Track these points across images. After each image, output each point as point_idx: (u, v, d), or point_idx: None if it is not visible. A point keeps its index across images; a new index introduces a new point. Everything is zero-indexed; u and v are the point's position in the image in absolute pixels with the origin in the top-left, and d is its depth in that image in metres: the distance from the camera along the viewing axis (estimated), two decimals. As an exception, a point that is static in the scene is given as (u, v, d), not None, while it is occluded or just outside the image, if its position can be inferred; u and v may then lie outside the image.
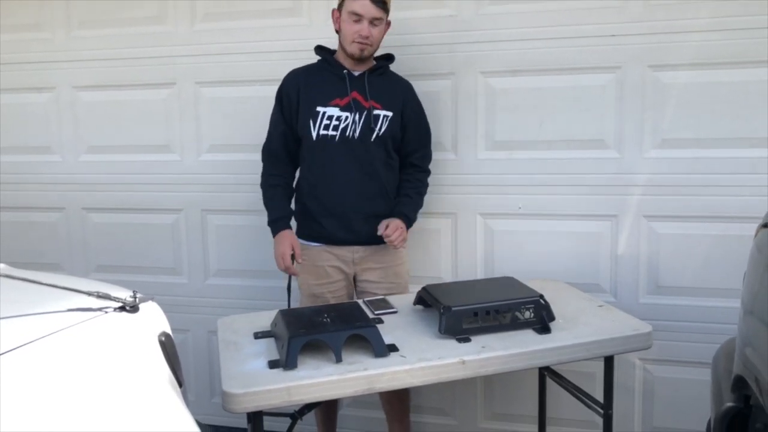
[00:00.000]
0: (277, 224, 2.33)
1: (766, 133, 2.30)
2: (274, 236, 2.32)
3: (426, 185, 2.46)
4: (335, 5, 2.29)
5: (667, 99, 2.38)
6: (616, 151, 2.45)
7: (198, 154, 2.86)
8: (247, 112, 2.73)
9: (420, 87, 2.54)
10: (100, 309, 1.40)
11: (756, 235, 1.68)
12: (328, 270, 2.36)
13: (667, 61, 2.36)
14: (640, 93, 2.40)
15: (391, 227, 2.26)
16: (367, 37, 2.22)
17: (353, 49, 2.24)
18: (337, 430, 2.59)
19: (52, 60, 2.94)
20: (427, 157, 2.47)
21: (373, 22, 2.21)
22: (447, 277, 2.65)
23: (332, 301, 2.33)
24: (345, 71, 2.29)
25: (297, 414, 1.87)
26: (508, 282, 2.17)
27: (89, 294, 1.48)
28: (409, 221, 2.35)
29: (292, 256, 2.28)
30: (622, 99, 2.42)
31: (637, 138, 2.42)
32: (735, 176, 2.34)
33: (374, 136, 2.30)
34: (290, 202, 2.40)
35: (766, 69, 2.27)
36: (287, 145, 2.36)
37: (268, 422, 1.73)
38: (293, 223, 2.41)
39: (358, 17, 2.20)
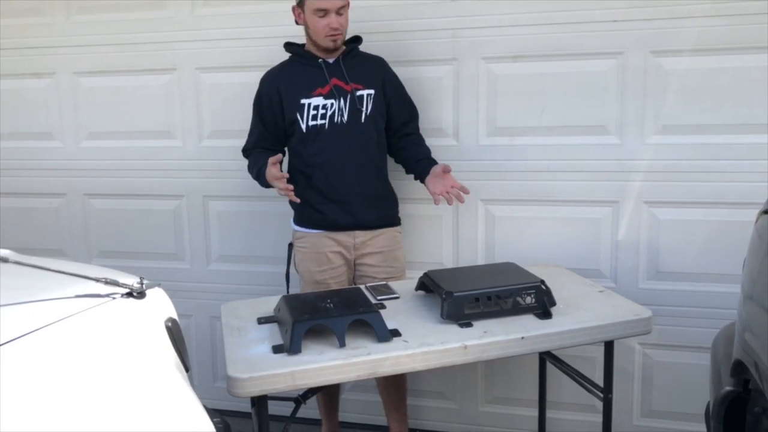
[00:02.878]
0: (262, 170, 2.26)
1: (767, 119, 2.31)
2: (264, 183, 2.27)
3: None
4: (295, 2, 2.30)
5: (668, 85, 2.38)
6: (618, 137, 2.45)
7: (199, 140, 2.86)
8: (247, 97, 2.69)
9: (421, 72, 2.54)
10: (107, 295, 1.42)
11: (756, 221, 1.70)
12: (330, 256, 2.37)
13: (668, 46, 2.36)
14: (641, 79, 2.40)
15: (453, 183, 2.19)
16: (337, 29, 2.25)
17: (326, 42, 2.28)
18: (338, 414, 2.61)
19: (51, 45, 2.92)
20: (418, 125, 2.50)
21: (338, 11, 2.24)
22: (448, 263, 2.66)
23: (335, 287, 2.35)
24: (320, 60, 2.32)
25: (301, 398, 1.89)
26: (510, 267, 2.18)
27: (97, 280, 1.49)
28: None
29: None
30: (624, 85, 2.42)
31: (638, 124, 2.42)
32: (736, 162, 2.34)
33: (364, 116, 2.32)
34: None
35: (767, 55, 2.27)
36: (264, 147, 2.40)
37: (271, 406, 1.75)
38: (290, 211, 2.45)
39: (323, 12, 2.22)
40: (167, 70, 2.84)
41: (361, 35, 2.43)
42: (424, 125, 2.59)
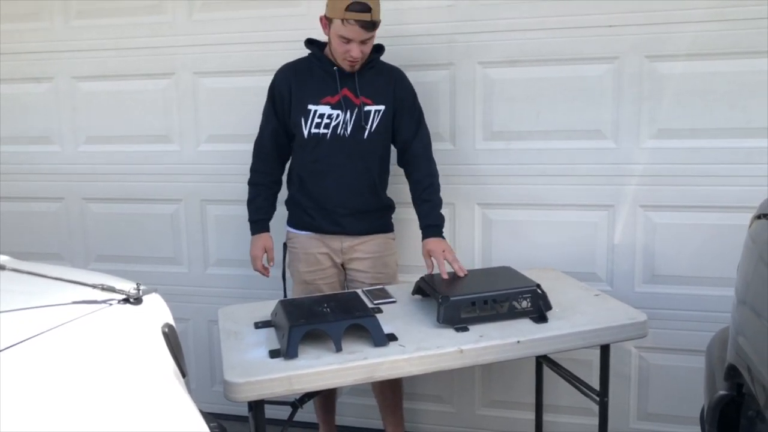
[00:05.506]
0: (254, 226, 2.42)
1: (763, 124, 2.31)
2: (252, 236, 2.42)
3: (436, 175, 2.36)
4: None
5: (664, 89, 2.39)
6: (613, 141, 2.46)
7: (197, 144, 2.87)
8: (245, 102, 2.73)
9: (418, 77, 2.55)
10: (104, 301, 1.42)
11: (750, 225, 1.70)
12: (319, 257, 2.38)
13: (664, 51, 2.37)
14: (637, 83, 2.41)
15: (439, 262, 2.19)
16: (356, 58, 2.19)
17: (344, 65, 2.23)
18: (335, 417, 2.62)
19: (50, 50, 2.93)
20: (425, 138, 2.37)
21: (363, 42, 2.18)
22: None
23: (324, 289, 2.36)
24: (335, 68, 2.27)
25: (297, 402, 1.90)
26: (506, 272, 2.19)
27: (93, 286, 1.50)
28: (440, 226, 2.30)
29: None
30: (620, 89, 2.43)
31: (633, 128, 2.43)
32: (731, 166, 2.35)
33: (367, 133, 2.28)
34: (272, 201, 2.44)
35: (763, 59, 2.28)
36: (277, 142, 2.38)
37: (268, 410, 1.75)
38: (286, 215, 2.46)
39: (347, 40, 2.16)
40: (165, 75, 2.85)
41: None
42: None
